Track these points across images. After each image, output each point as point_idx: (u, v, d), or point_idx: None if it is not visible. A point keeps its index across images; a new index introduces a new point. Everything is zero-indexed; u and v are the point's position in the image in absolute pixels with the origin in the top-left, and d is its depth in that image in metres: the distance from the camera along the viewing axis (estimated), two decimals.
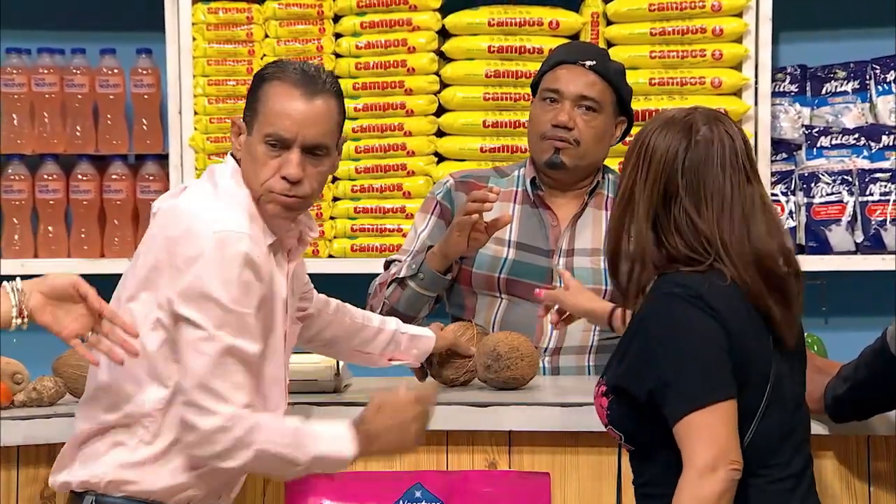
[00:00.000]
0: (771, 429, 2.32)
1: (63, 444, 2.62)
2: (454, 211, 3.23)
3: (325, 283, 3.16)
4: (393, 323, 2.92)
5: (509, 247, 3.22)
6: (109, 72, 4.15)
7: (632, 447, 2.40)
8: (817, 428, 2.71)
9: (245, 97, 4.04)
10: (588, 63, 3.20)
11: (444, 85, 4.08)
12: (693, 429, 2.24)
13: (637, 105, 3.94)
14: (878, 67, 4.10)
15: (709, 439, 2.23)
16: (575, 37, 4.02)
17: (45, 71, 4.13)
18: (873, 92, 4.10)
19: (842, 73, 4.12)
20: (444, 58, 4.10)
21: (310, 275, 2.81)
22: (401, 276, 3.13)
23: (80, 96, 4.14)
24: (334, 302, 2.87)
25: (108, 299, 4.00)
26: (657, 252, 2.33)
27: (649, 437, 2.33)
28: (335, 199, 4.09)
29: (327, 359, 2.95)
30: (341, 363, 2.96)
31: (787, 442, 2.35)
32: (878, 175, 3.99)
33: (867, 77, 4.11)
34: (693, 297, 2.28)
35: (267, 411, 2.49)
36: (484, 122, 4.03)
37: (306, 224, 2.60)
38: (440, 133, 4.09)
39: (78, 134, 4.15)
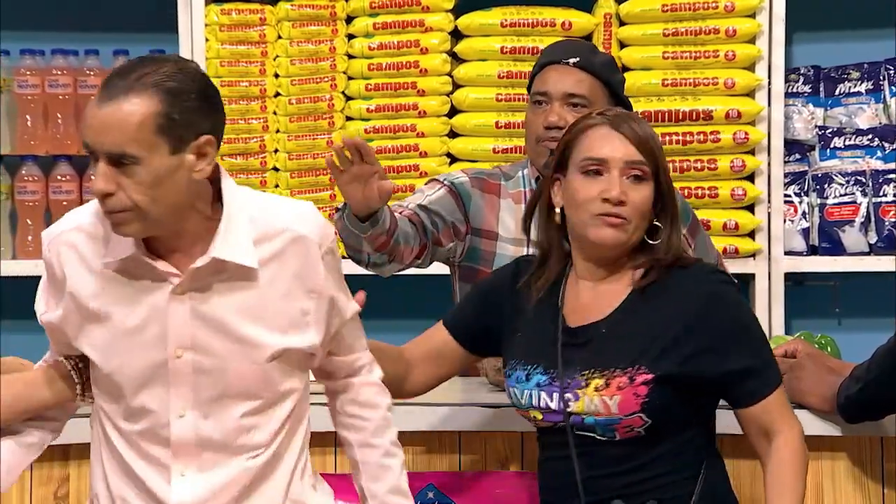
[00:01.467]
0: None
1: (75, 444, 2.64)
2: (467, 205, 3.22)
3: None
4: (382, 487, 2.47)
5: (528, 247, 3.22)
6: None
7: (643, 433, 2.45)
8: (830, 429, 2.72)
9: (259, 98, 4.12)
10: (572, 60, 3.19)
11: (456, 86, 4.09)
12: (782, 401, 2.50)
13: (650, 106, 3.96)
14: (892, 68, 4.10)
15: (790, 408, 2.53)
16: (588, 37, 4.03)
17: (59, 72, 4.14)
18: (887, 92, 4.10)
19: (855, 74, 4.12)
20: (456, 59, 4.11)
21: None
22: (339, 205, 3.06)
23: (93, 97, 4.14)
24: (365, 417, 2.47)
25: None
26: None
27: (685, 418, 2.47)
28: None
29: None
30: None
31: None
32: (891, 176, 3.99)
33: (881, 78, 4.11)
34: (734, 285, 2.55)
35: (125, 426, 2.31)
36: (497, 122, 4.04)
37: (215, 248, 2.25)
38: (453, 134, 4.10)
39: None
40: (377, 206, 2.92)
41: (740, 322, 2.48)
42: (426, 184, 3.27)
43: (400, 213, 3.10)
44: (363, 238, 2.99)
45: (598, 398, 2.43)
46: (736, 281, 2.53)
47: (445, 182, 3.23)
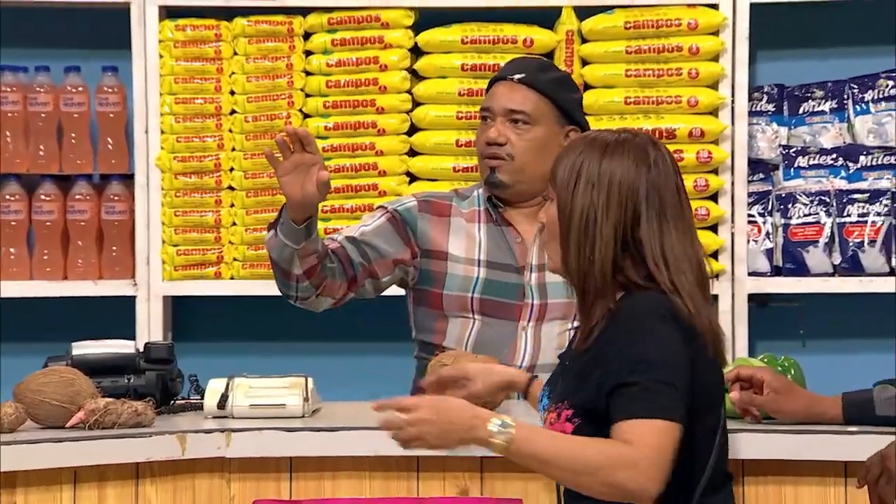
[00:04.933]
0: None
1: (25, 471, 2.63)
2: (414, 230, 3.24)
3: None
4: None
5: (479, 266, 3.24)
6: (74, 90, 4.14)
7: None
8: (794, 453, 2.74)
9: (214, 115, 4.11)
10: (517, 77, 3.22)
11: (416, 103, 4.09)
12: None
13: (612, 124, 3.97)
14: (856, 87, 4.12)
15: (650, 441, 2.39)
16: (549, 55, 4.04)
17: (8, 89, 4.12)
18: (851, 112, 4.13)
19: (819, 93, 4.14)
20: (416, 76, 4.11)
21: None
22: (273, 220, 3.08)
23: (43, 115, 4.13)
24: None
25: (72, 322, 4.00)
26: (614, 274, 2.41)
27: None
28: None
29: (295, 381, 2.94)
30: (311, 385, 2.96)
31: None
32: (855, 196, 4.02)
33: (845, 97, 4.13)
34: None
35: None
36: (457, 141, 4.04)
37: None
38: (412, 152, 4.10)
39: (41, 153, 4.14)
40: (316, 199, 2.98)
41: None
42: (372, 213, 3.29)
43: (327, 245, 3.13)
44: (296, 252, 3.03)
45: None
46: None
47: (389, 209, 3.27)
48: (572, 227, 2.42)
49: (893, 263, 3.98)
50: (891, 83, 4.09)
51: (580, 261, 2.42)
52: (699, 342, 2.37)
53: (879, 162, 4.05)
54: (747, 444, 2.74)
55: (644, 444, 2.29)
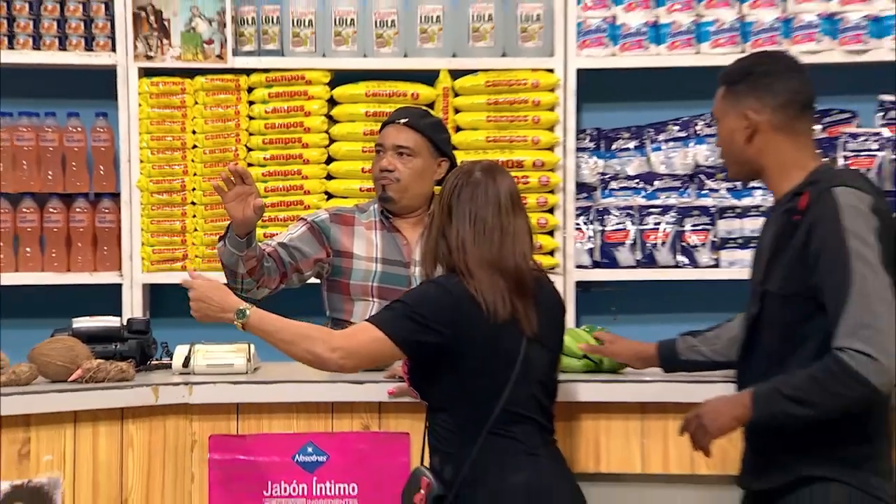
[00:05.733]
0: None
1: (36, 414, 2.63)
2: (328, 236, 3.27)
3: None
4: None
5: (377, 262, 3.27)
6: (74, 130, 4.12)
7: (427, 403, 2.56)
8: (603, 396, 2.81)
9: (180, 149, 4.10)
10: (402, 121, 3.26)
11: (332, 140, 4.11)
12: (359, 331, 2.52)
13: (477, 157, 3.99)
14: (652, 130, 4.17)
15: (355, 337, 2.51)
16: (431, 105, 4.08)
17: (24, 129, 4.08)
18: (649, 149, 4.17)
19: (626, 134, 4.17)
20: (332, 120, 4.13)
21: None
22: (223, 234, 3.10)
23: (51, 148, 4.10)
24: None
25: (73, 303, 3.98)
26: (437, 258, 2.54)
27: (431, 393, 2.56)
28: None
29: (241, 346, 2.95)
30: (252, 350, 2.98)
31: None
32: (652, 210, 4.05)
33: (644, 137, 4.17)
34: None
35: None
36: (362, 169, 4.06)
37: None
38: (329, 177, 4.13)
39: (50, 177, 4.12)
40: (253, 220, 2.99)
41: None
42: (296, 222, 3.32)
43: (264, 249, 3.15)
44: (240, 258, 3.05)
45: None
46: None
47: (308, 220, 3.28)
48: (426, 233, 2.57)
49: (677, 259, 4.06)
50: (677, 128, 4.14)
51: (424, 256, 2.56)
52: (482, 314, 2.44)
53: (669, 185, 4.09)
54: (577, 391, 2.82)
55: (351, 334, 2.43)
